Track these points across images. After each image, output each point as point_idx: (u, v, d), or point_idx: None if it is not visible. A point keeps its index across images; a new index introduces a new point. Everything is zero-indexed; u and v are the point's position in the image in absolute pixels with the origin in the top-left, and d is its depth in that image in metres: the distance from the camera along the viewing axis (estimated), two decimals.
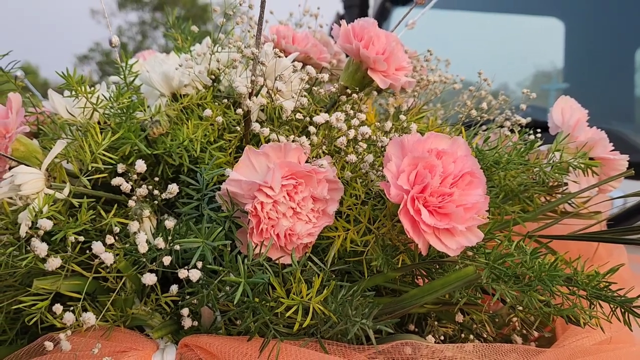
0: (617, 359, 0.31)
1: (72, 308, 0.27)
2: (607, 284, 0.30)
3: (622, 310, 0.31)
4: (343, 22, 0.38)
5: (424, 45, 0.68)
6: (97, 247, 0.26)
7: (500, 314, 0.33)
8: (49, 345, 0.26)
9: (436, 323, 0.33)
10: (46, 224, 0.27)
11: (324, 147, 0.31)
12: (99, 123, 0.36)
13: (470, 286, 0.29)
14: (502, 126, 0.45)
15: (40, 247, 0.26)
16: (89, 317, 0.27)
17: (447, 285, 0.27)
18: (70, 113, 0.36)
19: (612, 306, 0.31)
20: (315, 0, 0.59)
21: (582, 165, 0.37)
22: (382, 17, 1.64)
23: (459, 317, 0.32)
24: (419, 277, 0.33)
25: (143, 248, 0.27)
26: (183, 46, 0.45)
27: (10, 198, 0.30)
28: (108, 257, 0.26)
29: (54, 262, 0.26)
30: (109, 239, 0.27)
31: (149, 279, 0.26)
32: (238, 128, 0.35)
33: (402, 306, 0.27)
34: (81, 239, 0.28)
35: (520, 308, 0.32)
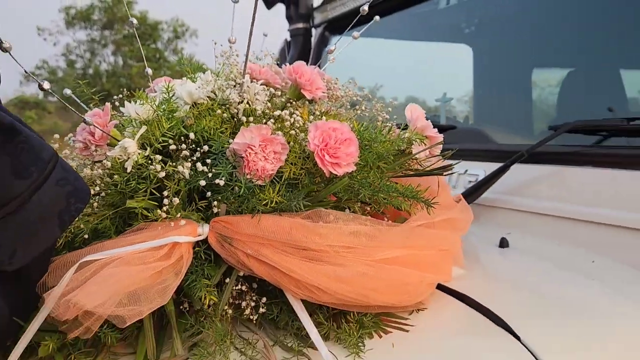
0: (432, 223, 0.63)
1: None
2: (418, 192, 0.62)
3: (426, 206, 0.63)
4: (287, 66, 0.69)
5: (360, 67, 1.00)
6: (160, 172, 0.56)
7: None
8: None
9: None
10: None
11: (279, 127, 0.62)
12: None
13: (347, 189, 0.60)
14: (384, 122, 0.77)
15: (156, 168, 0.55)
16: (162, 214, 0.56)
17: (335, 187, 0.58)
18: (137, 113, 0.65)
19: (422, 204, 0.63)
20: (270, 29, 0.91)
21: (418, 140, 0.69)
22: (322, 44, 1.97)
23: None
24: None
25: (188, 175, 0.57)
26: (192, 75, 0.74)
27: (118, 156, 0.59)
28: (185, 171, 0.55)
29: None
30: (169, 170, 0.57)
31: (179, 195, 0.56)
32: (231, 121, 0.65)
33: (316, 198, 0.58)
34: (161, 174, 0.57)
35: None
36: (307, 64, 0.72)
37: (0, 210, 0.44)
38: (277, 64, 0.79)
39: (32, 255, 0.47)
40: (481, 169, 1.09)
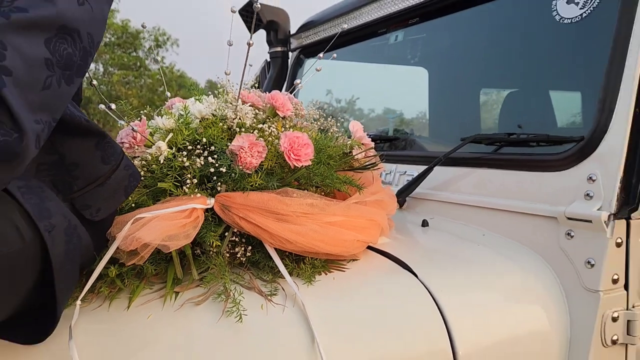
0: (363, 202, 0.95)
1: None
2: (352, 180, 0.94)
3: (358, 189, 0.95)
4: (267, 93, 1.00)
5: (340, 84, 1.31)
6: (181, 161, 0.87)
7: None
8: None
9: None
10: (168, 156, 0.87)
11: (261, 135, 0.93)
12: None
13: (305, 177, 0.91)
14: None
15: (183, 160, 0.86)
16: (185, 190, 0.86)
17: (296, 175, 0.89)
18: (164, 124, 0.95)
19: (355, 188, 0.95)
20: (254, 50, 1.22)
21: (357, 145, 1.01)
22: (297, 65, 2.30)
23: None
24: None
25: (200, 165, 0.87)
26: (200, 98, 1.05)
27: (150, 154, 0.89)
28: (199, 163, 0.86)
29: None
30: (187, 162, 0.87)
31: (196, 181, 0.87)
32: (228, 131, 0.96)
33: (285, 182, 0.90)
34: (186, 164, 0.87)
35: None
36: (284, 82, 1.03)
37: (93, 183, 0.74)
38: (258, 81, 1.10)
39: (108, 212, 0.77)
40: (415, 171, 1.42)
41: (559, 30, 1.17)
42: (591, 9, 1.08)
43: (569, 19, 1.12)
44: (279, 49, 2.30)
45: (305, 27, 2.19)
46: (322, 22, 2.08)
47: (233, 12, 1.09)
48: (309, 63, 2.25)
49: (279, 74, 2.27)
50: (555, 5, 1.14)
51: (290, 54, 2.31)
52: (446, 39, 1.89)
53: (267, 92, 1.03)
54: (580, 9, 1.10)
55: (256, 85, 1.18)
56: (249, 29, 2.30)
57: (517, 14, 1.37)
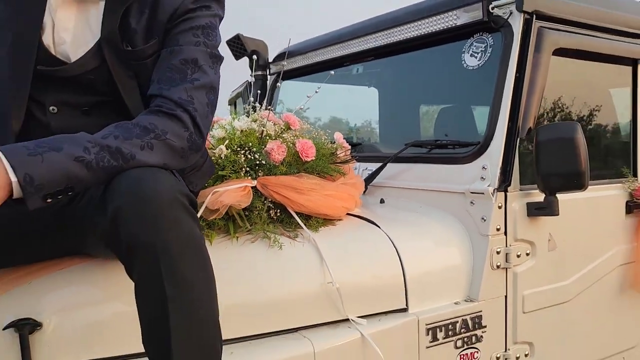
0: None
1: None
2: (338, 169, 1.51)
3: (342, 175, 1.52)
4: (283, 114, 1.56)
5: (316, 102, 1.88)
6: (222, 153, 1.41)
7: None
8: None
9: None
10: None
11: (283, 141, 1.49)
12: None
13: (311, 166, 1.48)
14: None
15: (239, 156, 1.40)
16: (240, 175, 1.40)
17: (306, 166, 1.46)
18: (217, 135, 1.48)
19: (340, 174, 1.52)
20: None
21: (339, 147, 1.58)
22: (275, 86, 2.85)
23: None
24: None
25: (246, 159, 1.42)
26: (236, 116, 1.58)
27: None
28: (242, 158, 1.40)
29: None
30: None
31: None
32: (260, 138, 1.50)
33: (299, 169, 1.45)
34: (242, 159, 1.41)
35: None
36: (264, 99, 1.58)
37: (194, 170, 1.27)
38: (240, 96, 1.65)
39: (200, 187, 1.30)
40: (374, 166, 2.01)
41: (467, 72, 1.79)
42: (484, 61, 1.71)
43: (471, 66, 1.74)
44: (259, 72, 2.85)
45: (282, 57, 2.75)
46: (297, 54, 2.64)
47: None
48: (285, 84, 2.81)
49: (261, 93, 2.81)
50: (463, 57, 1.77)
51: (269, 76, 2.86)
52: (393, 70, 2.51)
53: (249, 106, 1.59)
54: (478, 61, 1.72)
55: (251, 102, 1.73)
56: (236, 56, 2.85)
57: (442, 59, 1.99)
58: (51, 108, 1.11)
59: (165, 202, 0.84)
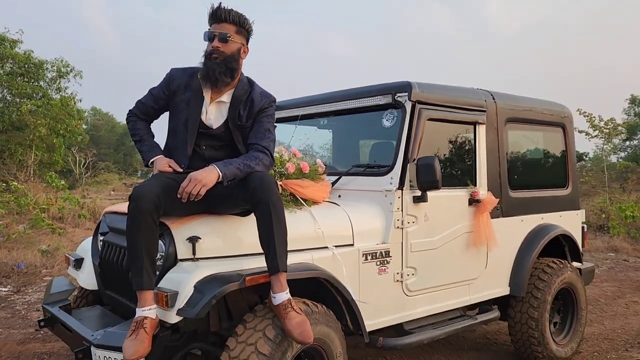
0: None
1: None
2: (319, 177, 3.06)
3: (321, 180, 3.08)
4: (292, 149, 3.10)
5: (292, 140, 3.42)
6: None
7: None
8: None
9: None
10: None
11: (293, 163, 3.03)
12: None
13: (306, 176, 3.01)
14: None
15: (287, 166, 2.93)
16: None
17: (305, 176, 3.00)
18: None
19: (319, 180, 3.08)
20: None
21: (319, 167, 3.12)
22: None
23: None
24: None
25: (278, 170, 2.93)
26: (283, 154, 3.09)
27: None
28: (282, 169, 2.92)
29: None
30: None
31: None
32: (284, 162, 3.02)
33: (301, 177, 2.99)
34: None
35: None
36: None
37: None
38: None
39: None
40: (334, 178, 3.58)
41: (385, 129, 3.40)
42: (392, 123, 3.33)
43: (386, 126, 3.36)
44: None
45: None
46: (281, 108, 4.19)
47: None
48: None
49: None
50: (382, 120, 3.39)
51: None
52: (344, 122, 4.11)
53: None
54: (389, 123, 3.35)
55: None
56: None
57: (371, 120, 3.61)
58: (203, 146, 2.62)
59: (272, 183, 2.36)
